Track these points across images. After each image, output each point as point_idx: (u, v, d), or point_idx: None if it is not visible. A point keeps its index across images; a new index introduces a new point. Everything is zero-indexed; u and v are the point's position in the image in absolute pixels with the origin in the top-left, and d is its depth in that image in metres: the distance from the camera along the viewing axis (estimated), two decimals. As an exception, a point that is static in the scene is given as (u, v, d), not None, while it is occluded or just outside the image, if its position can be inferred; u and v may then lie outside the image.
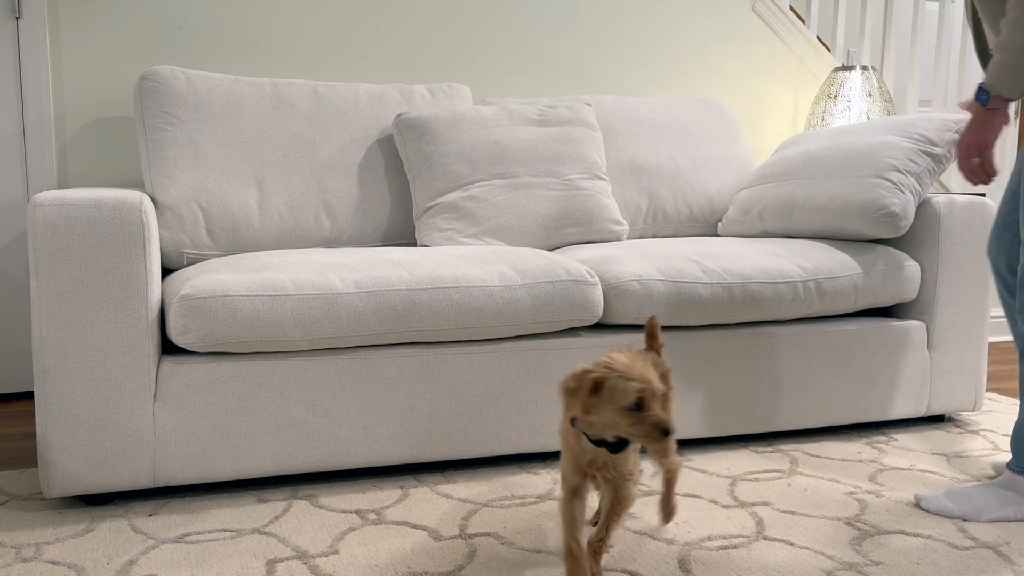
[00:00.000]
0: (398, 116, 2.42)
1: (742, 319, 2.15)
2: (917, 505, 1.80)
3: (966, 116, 2.30)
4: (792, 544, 1.61)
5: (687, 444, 2.20)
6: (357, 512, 1.75)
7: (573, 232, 2.42)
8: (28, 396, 2.70)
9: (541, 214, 2.38)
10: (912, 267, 2.30)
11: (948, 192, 3.65)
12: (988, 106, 1.73)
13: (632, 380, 1.27)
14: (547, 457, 2.10)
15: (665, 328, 2.12)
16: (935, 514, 1.76)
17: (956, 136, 2.29)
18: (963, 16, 1.88)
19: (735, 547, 1.60)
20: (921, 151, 2.30)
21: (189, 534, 1.64)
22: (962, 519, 1.74)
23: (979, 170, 1.80)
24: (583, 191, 2.43)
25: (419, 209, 2.37)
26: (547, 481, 1.93)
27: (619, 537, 1.63)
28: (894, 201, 2.24)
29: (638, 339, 2.07)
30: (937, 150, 2.30)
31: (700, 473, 1.99)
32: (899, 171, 2.27)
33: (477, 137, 2.41)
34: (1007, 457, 2.12)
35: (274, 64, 2.78)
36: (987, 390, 2.85)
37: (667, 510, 1.65)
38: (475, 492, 1.86)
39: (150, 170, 2.18)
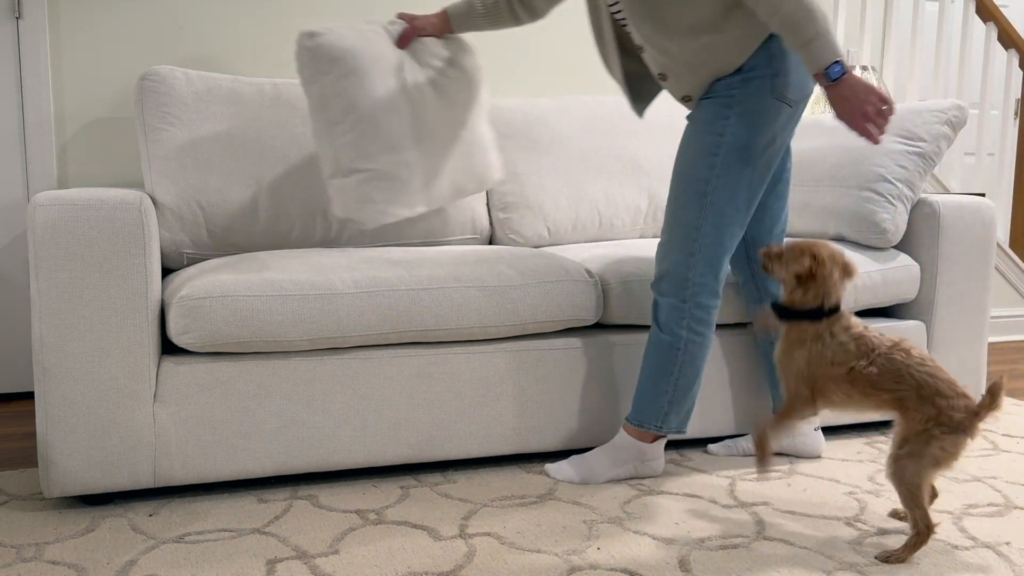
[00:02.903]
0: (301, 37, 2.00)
1: (742, 319, 2.15)
2: (546, 475, 1.96)
3: (953, 102, 2.33)
4: (792, 544, 1.61)
5: (689, 444, 2.20)
6: (357, 512, 1.75)
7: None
8: (28, 396, 2.70)
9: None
10: (912, 267, 2.31)
11: (947, 192, 3.65)
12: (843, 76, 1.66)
13: None
14: (547, 457, 2.10)
15: (665, 328, 2.12)
16: (562, 481, 1.92)
17: (944, 127, 2.29)
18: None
19: (735, 547, 1.60)
20: (909, 152, 2.29)
21: (189, 534, 1.64)
22: (582, 483, 1.92)
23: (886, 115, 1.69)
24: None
25: (341, 167, 1.99)
26: (547, 481, 1.93)
27: (618, 536, 1.63)
28: (884, 216, 2.26)
29: (638, 339, 2.07)
30: (925, 147, 2.30)
31: (700, 473, 1.99)
32: (888, 180, 2.27)
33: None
34: (1003, 456, 2.12)
35: (274, 64, 2.78)
36: (987, 390, 2.85)
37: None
38: (475, 492, 1.87)
39: (150, 170, 2.18)
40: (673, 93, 1.90)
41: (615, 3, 1.87)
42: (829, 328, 1.64)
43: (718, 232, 1.82)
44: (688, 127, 1.87)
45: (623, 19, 1.88)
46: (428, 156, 2.05)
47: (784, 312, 1.68)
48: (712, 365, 2.13)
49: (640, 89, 2.04)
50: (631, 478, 1.93)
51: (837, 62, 1.65)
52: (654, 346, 1.89)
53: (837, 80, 1.65)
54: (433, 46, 2.11)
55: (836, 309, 1.65)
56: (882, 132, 1.67)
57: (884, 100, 1.65)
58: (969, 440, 1.52)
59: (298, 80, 2.04)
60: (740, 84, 1.79)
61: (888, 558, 1.53)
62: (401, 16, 2.10)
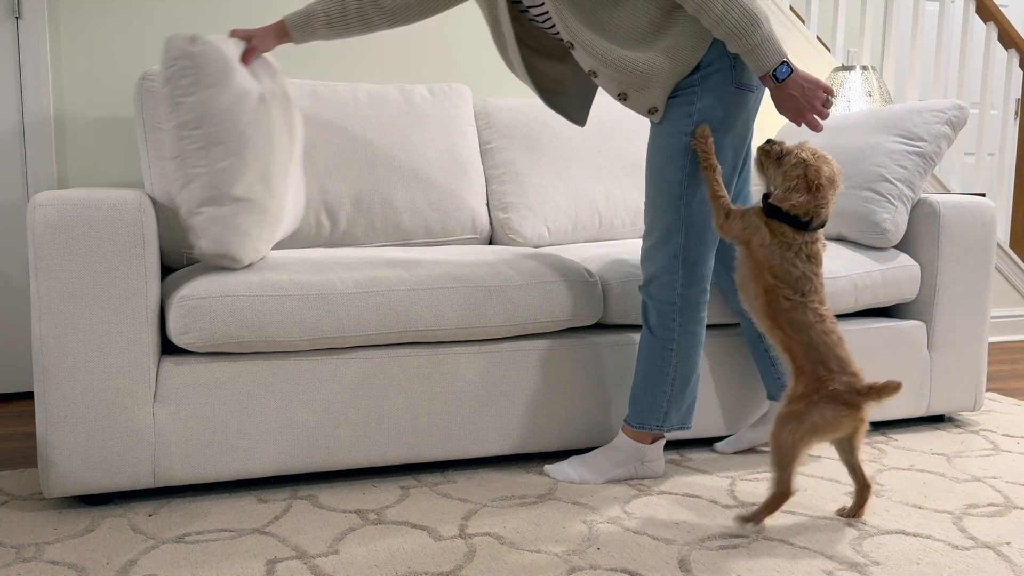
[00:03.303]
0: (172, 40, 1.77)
1: (733, 320, 2.14)
2: (546, 475, 1.96)
3: (953, 102, 2.34)
4: (792, 544, 1.61)
5: (689, 444, 2.20)
6: (357, 512, 1.75)
7: None
8: (28, 396, 2.70)
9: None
10: (912, 267, 2.31)
11: (948, 192, 3.65)
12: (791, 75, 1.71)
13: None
14: (547, 457, 2.10)
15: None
16: (562, 481, 1.93)
17: (944, 127, 2.29)
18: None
19: (735, 547, 1.60)
20: (909, 152, 2.30)
21: (189, 534, 1.64)
22: (582, 483, 1.91)
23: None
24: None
25: (218, 194, 1.76)
26: (547, 481, 1.93)
27: (618, 536, 1.63)
28: (884, 216, 2.26)
29: (638, 339, 2.07)
30: (925, 147, 2.30)
31: (700, 473, 1.99)
32: (888, 180, 2.28)
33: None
34: (1003, 456, 2.12)
35: (274, 64, 2.78)
36: (987, 390, 2.85)
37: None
38: (475, 492, 1.87)
39: (150, 170, 2.18)
40: (637, 109, 1.86)
41: (552, 27, 1.83)
42: (802, 243, 1.66)
43: (698, 230, 1.82)
44: (653, 128, 1.85)
45: (565, 42, 1.82)
46: (285, 191, 1.91)
47: (772, 210, 1.69)
48: (705, 366, 2.13)
49: (558, 93, 2.00)
50: (631, 479, 1.93)
51: (783, 63, 1.68)
52: (647, 348, 1.89)
53: (784, 80, 1.69)
54: (268, 70, 1.91)
55: (821, 225, 1.69)
56: (824, 118, 1.73)
57: (827, 90, 1.70)
58: (854, 415, 1.58)
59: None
60: (700, 81, 1.78)
61: (746, 519, 1.61)
62: (235, 33, 1.86)
